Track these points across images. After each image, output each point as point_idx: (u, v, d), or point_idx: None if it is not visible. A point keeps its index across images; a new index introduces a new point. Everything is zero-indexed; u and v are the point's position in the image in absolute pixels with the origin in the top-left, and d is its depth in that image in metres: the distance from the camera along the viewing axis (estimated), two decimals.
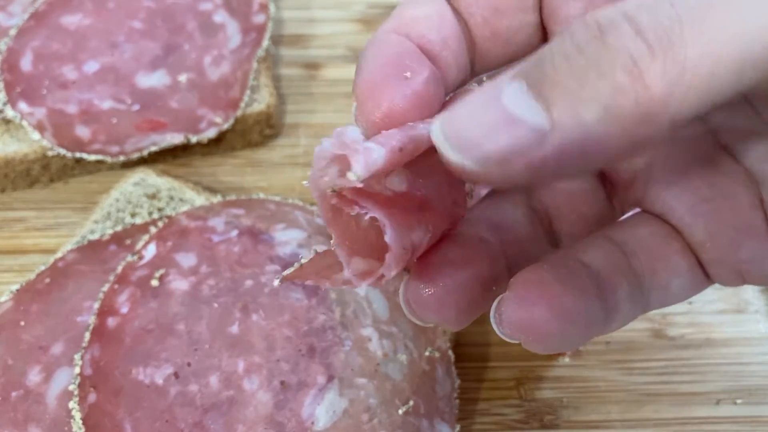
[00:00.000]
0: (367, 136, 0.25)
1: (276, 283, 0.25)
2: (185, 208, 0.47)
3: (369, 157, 0.22)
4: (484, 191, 0.34)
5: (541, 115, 0.21)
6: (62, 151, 0.49)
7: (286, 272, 0.25)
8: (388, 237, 0.23)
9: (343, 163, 0.23)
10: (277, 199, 0.48)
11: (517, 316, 0.26)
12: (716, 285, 0.49)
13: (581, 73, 0.21)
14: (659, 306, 0.30)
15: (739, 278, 0.30)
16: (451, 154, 0.22)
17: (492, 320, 0.27)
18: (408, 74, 0.26)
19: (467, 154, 0.22)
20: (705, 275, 0.30)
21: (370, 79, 0.26)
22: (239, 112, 0.52)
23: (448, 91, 0.29)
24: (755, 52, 0.21)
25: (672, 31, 0.20)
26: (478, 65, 0.30)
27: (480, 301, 0.28)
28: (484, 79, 0.29)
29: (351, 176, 0.22)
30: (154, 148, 0.51)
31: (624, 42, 0.20)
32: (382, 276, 0.24)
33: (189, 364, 0.40)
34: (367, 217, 0.24)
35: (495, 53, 0.30)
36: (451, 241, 0.28)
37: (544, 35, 0.30)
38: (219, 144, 0.54)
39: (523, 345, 0.27)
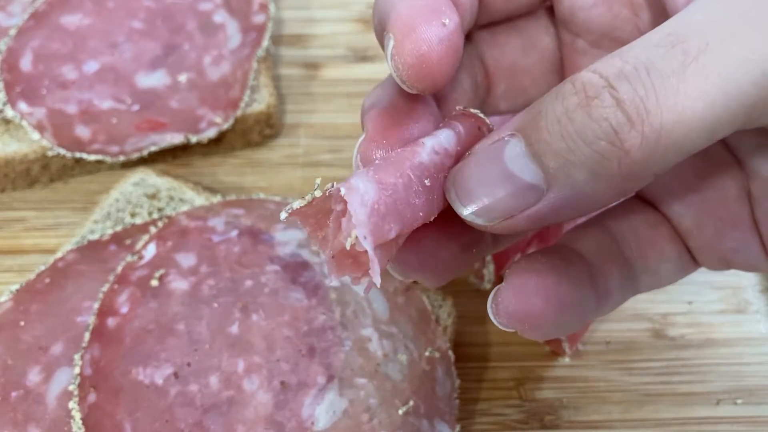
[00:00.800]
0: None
1: (283, 216, 0.25)
2: (185, 208, 0.47)
3: (374, 269, 0.24)
4: None
5: (538, 176, 0.24)
6: (62, 151, 0.49)
7: (294, 205, 0.25)
8: (372, 262, 0.25)
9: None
10: (277, 199, 0.48)
11: (513, 306, 0.28)
12: (716, 285, 0.50)
13: (570, 140, 0.24)
14: (648, 289, 0.33)
15: (724, 264, 0.32)
16: (462, 210, 0.26)
17: (489, 310, 0.29)
18: (445, 20, 0.27)
19: (477, 212, 0.26)
20: (692, 260, 0.33)
21: (409, 16, 0.27)
22: (239, 112, 0.52)
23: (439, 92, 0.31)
24: (725, 115, 0.23)
25: (648, 101, 0.23)
26: (482, 16, 0.32)
27: (459, 262, 0.30)
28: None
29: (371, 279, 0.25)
30: (154, 148, 0.51)
31: (606, 113, 0.23)
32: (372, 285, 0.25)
33: (189, 364, 0.40)
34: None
35: (498, 11, 0.33)
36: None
37: None
38: (219, 144, 0.54)
39: (518, 333, 0.28)
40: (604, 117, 0.23)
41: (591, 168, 0.23)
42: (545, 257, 0.29)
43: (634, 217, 0.32)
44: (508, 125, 0.26)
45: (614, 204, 0.33)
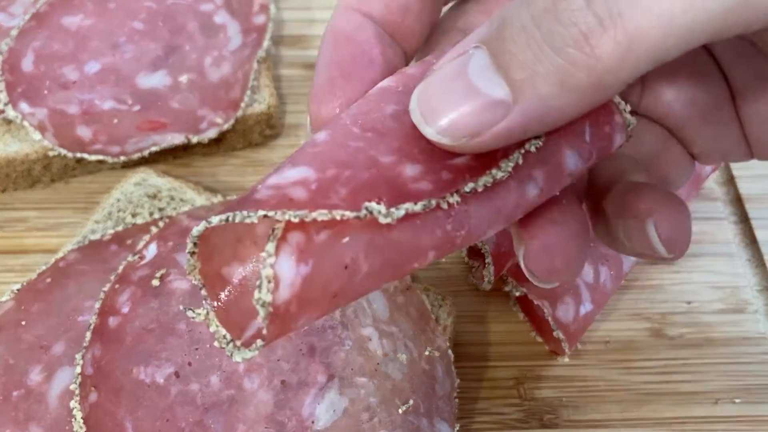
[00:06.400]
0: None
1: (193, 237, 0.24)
2: (186, 208, 0.47)
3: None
4: None
5: (503, 90, 0.23)
6: (63, 152, 0.50)
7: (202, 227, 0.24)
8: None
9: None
10: None
11: (544, 264, 0.29)
12: (715, 285, 0.50)
13: (537, 48, 0.22)
14: None
15: (720, 160, 0.34)
16: (427, 129, 0.24)
17: (523, 268, 0.30)
18: (358, 78, 0.27)
19: (442, 131, 0.24)
20: (691, 158, 0.34)
21: (320, 86, 0.28)
22: (240, 113, 0.52)
23: (411, 53, 0.31)
24: (703, 19, 0.21)
25: (621, 2, 0.21)
26: None
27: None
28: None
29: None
30: (155, 149, 0.51)
31: (575, 16, 0.21)
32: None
33: (190, 364, 0.40)
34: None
35: None
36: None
37: None
38: (220, 144, 0.54)
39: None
40: (573, 21, 0.22)
41: (559, 78, 0.22)
42: (559, 213, 0.29)
43: (648, 136, 0.33)
44: (472, 36, 0.24)
45: None
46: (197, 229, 0.23)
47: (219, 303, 0.24)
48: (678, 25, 0.21)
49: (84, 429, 0.38)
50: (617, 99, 0.29)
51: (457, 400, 0.41)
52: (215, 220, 0.22)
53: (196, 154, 0.54)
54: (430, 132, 0.24)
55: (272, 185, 0.23)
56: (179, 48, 0.54)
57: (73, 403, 0.39)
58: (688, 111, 0.32)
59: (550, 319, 0.44)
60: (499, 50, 0.23)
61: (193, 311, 0.25)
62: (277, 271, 0.22)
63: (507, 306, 0.48)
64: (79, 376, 0.39)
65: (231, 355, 0.24)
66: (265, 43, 0.55)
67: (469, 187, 0.25)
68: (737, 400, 0.44)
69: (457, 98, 0.24)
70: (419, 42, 0.31)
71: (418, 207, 0.24)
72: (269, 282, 0.22)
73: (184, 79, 0.53)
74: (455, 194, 0.25)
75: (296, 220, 0.22)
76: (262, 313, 0.22)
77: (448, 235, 0.25)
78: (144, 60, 0.53)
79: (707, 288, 0.49)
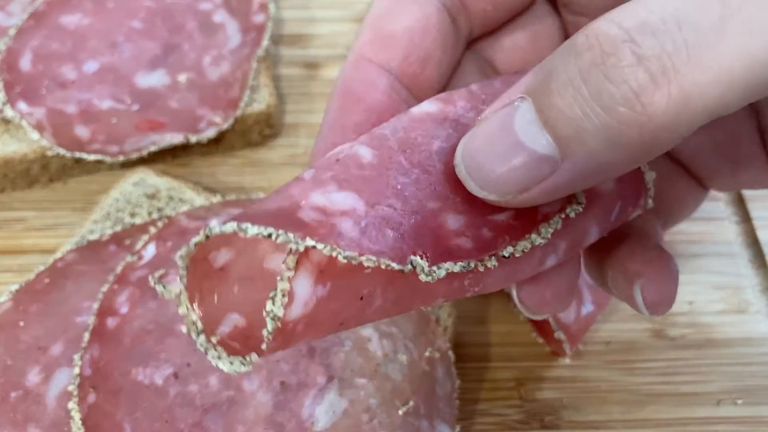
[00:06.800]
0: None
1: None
2: (185, 208, 0.47)
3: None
4: None
5: (551, 147, 0.22)
6: (61, 151, 0.49)
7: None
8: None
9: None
10: None
11: (534, 301, 0.30)
12: (717, 285, 0.50)
13: (584, 105, 0.21)
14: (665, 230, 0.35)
15: (736, 188, 0.34)
16: (472, 185, 0.24)
17: (517, 303, 0.30)
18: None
19: (489, 189, 0.24)
20: (698, 191, 0.34)
21: (321, 151, 0.27)
22: (239, 112, 0.52)
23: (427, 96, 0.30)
24: (766, 76, 0.20)
25: (678, 57, 0.20)
26: (476, 28, 0.31)
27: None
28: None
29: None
30: (153, 148, 0.51)
31: (625, 73, 0.20)
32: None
33: (188, 365, 0.39)
34: None
35: (494, 19, 0.31)
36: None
37: None
38: (218, 144, 0.53)
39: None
40: (623, 78, 0.20)
41: (608, 136, 0.21)
42: (648, 246, 0.30)
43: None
44: (518, 86, 0.24)
45: None
46: (223, 228, 0.21)
47: (196, 284, 0.22)
48: (739, 81, 0.20)
49: (82, 430, 0.38)
50: (646, 171, 0.29)
51: (457, 401, 0.41)
52: (253, 230, 0.20)
53: (195, 153, 0.54)
54: (475, 188, 0.24)
55: (319, 207, 0.22)
56: (178, 47, 0.54)
57: (71, 404, 0.38)
58: (705, 144, 0.31)
59: (551, 319, 0.44)
60: (545, 104, 0.22)
61: (164, 286, 0.23)
62: (293, 287, 0.21)
63: (508, 307, 0.48)
64: (78, 377, 0.39)
65: (211, 358, 0.22)
66: (265, 42, 0.55)
67: (507, 251, 0.25)
68: (739, 401, 0.44)
69: (504, 154, 0.23)
70: (436, 92, 0.30)
71: (457, 268, 0.23)
72: (284, 296, 0.21)
73: (182, 78, 0.53)
74: (493, 258, 0.25)
75: (344, 262, 0.21)
76: (270, 326, 0.21)
77: (463, 288, 0.25)
78: (142, 59, 0.53)
79: (709, 288, 0.49)
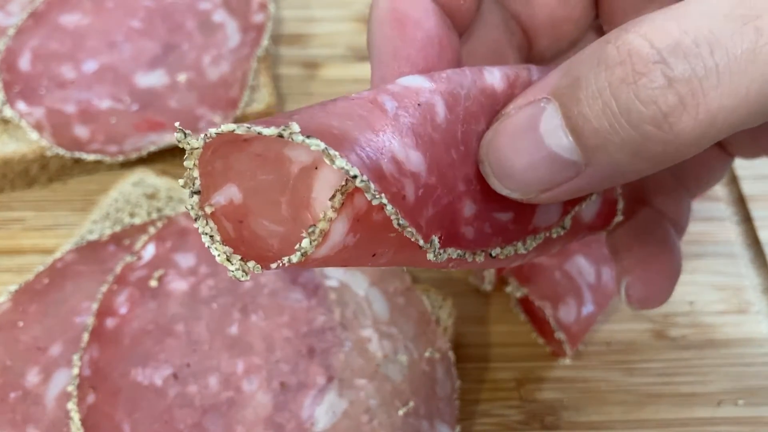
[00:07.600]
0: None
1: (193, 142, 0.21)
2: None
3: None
4: None
5: (576, 153, 0.23)
6: (61, 151, 0.49)
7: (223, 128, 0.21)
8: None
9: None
10: None
11: (643, 294, 0.33)
12: (717, 286, 0.50)
13: (612, 119, 0.22)
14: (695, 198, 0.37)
15: (759, 154, 0.34)
16: (498, 186, 0.25)
17: (623, 300, 0.33)
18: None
19: (513, 187, 0.25)
20: (724, 156, 0.35)
21: (387, 75, 0.27)
22: (238, 112, 0.52)
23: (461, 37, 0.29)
24: None
25: (708, 82, 0.20)
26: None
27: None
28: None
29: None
30: (152, 148, 0.51)
31: (655, 96, 0.21)
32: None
33: (188, 365, 0.39)
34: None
35: None
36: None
37: None
38: None
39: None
40: (653, 100, 0.21)
41: (633, 149, 0.22)
42: (649, 243, 0.31)
43: None
44: (543, 84, 0.24)
45: None
46: (309, 141, 0.20)
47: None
48: (766, 104, 0.21)
49: (81, 431, 0.38)
50: (619, 199, 0.31)
51: (457, 401, 0.41)
52: (340, 163, 0.19)
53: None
54: (498, 186, 0.25)
55: (397, 161, 0.22)
56: (177, 47, 0.54)
57: (70, 405, 0.38)
58: None
59: (551, 320, 0.43)
60: (573, 112, 0.23)
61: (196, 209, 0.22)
62: (330, 230, 0.21)
63: (508, 307, 0.48)
64: (77, 378, 0.39)
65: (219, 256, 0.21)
66: (264, 42, 0.55)
67: (495, 252, 0.26)
68: (740, 402, 0.44)
69: (528, 155, 0.24)
70: (469, 26, 0.29)
71: (454, 255, 0.24)
72: (319, 235, 0.20)
73: (182, 78, 0.52)
74: (482, 254, 0.25)
75: (399, 229, 0.21)
76: (294, 259, 0.21)
77: (446, 266, 0.25)
78: (142, 59, 0.53)
79: (709, 289, 0.49)
